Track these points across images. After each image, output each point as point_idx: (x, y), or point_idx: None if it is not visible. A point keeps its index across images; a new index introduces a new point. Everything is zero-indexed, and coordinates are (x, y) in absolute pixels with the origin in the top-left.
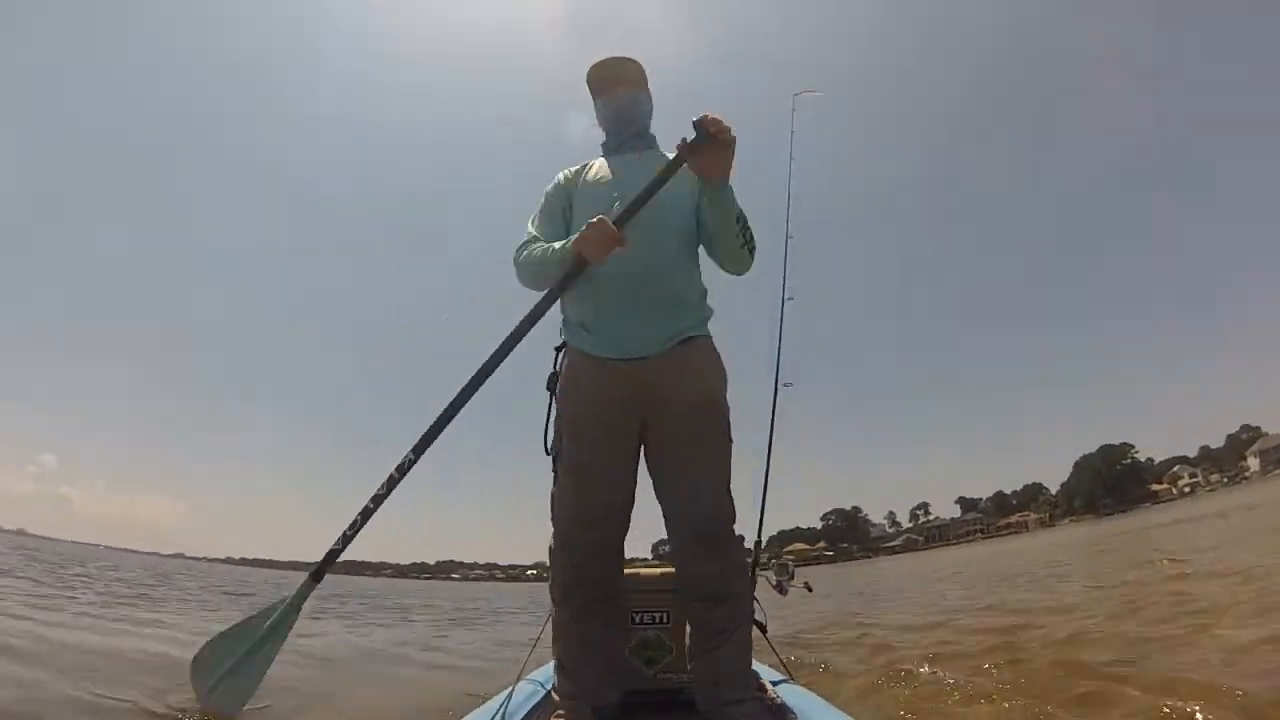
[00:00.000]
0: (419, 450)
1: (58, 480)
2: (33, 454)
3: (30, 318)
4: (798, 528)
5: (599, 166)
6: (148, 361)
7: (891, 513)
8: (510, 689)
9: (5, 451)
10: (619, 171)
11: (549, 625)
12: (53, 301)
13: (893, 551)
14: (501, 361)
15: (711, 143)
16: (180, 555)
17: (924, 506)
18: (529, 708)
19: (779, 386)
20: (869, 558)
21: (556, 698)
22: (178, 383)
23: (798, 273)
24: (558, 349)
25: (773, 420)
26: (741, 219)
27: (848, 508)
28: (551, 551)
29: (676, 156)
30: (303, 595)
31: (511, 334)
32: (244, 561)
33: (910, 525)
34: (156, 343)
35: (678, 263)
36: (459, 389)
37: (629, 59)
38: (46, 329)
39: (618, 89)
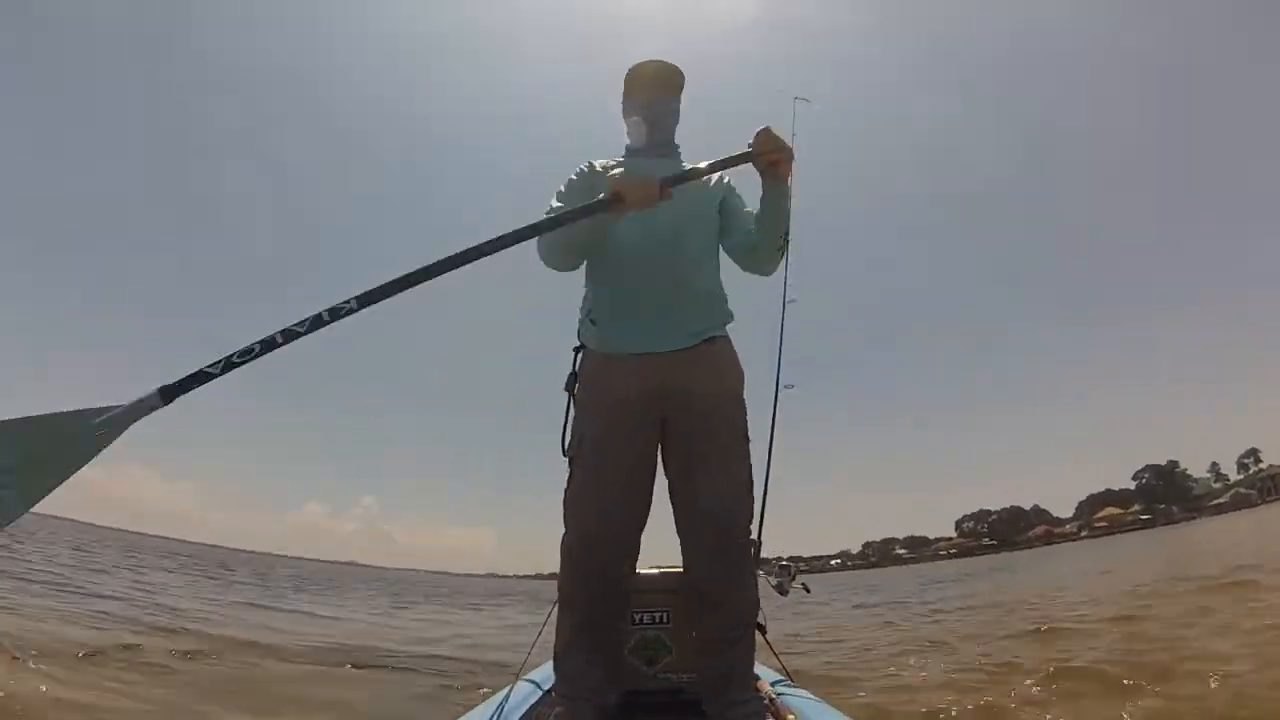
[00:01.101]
0: (364, 301)
1: (378, 519)
2: (356, 497)
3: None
4: (1108, 489)
5: (630, 170)
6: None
7: (1215, 464)
8: (509, 688)
9: (334, 497)
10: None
11: (547, 624)
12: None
13: (1219, 510)
14: (492, 251)
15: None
16: (492, 574)
17: (1253, 454)
18: (527, 707)
19: (780, 388)
20: (1191, 519)
21: (558, 696)
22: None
23: (799, 275)
24: (576, 350)
25: (773, 421)
26: (787, 220)
27: (1163, 463)
28: (564, 550)
29: (743, 153)
30: (139, 411)
31: (523, 230)
32: (551, 576)
33: (1239, 478)
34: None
35: (700, 259)
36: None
37: (674, 65)
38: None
39: (660, 94)
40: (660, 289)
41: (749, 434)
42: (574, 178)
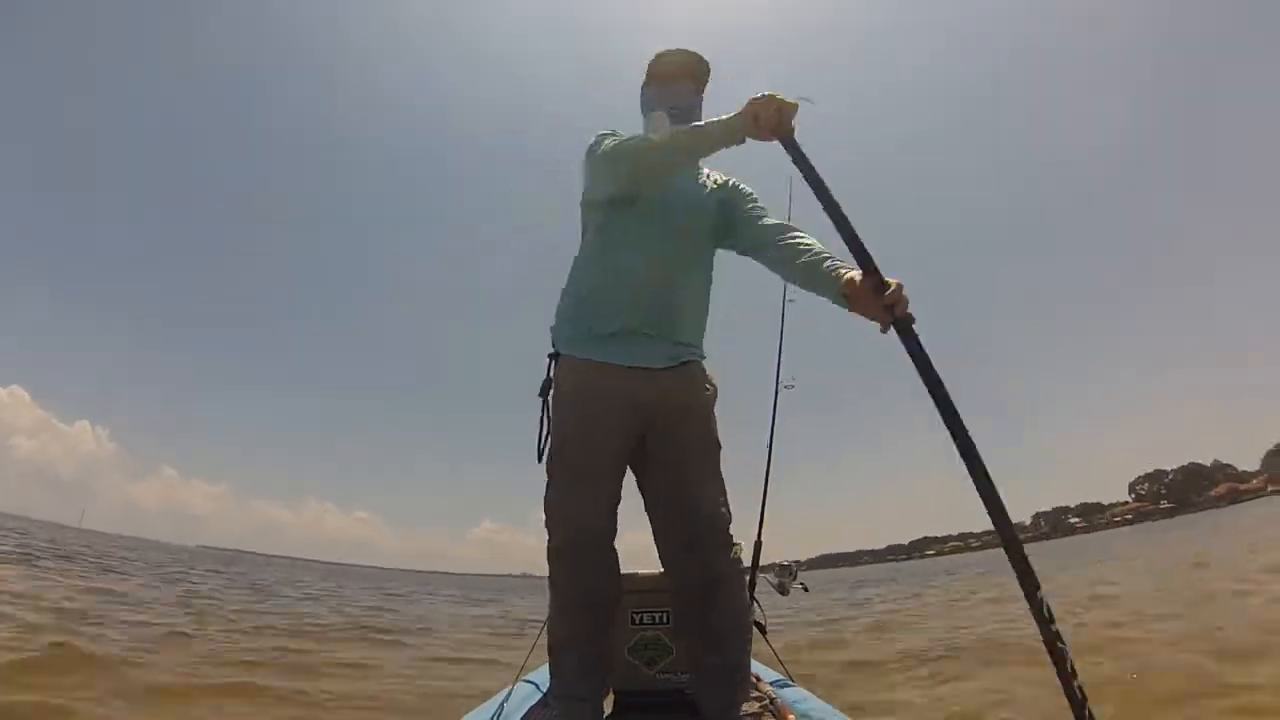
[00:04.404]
0: None
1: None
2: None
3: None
4: None
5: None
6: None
7: None
8: (508, 689)
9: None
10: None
11: (547, 625)
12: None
13: None
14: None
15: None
16: None
17: None
18: (527, 708)
19: (780, 388)
20: None
21: (554, 698)
22: None
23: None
24: (551, 356)
25: (773, 421)
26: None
27: None
28: (549, 554)
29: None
30: None
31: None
32: None
33: None
34: None
35: (695, 276)
36: None
37: (701, 55)
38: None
39: (684, 83)
40: (645, 302)
41: (719, 440)
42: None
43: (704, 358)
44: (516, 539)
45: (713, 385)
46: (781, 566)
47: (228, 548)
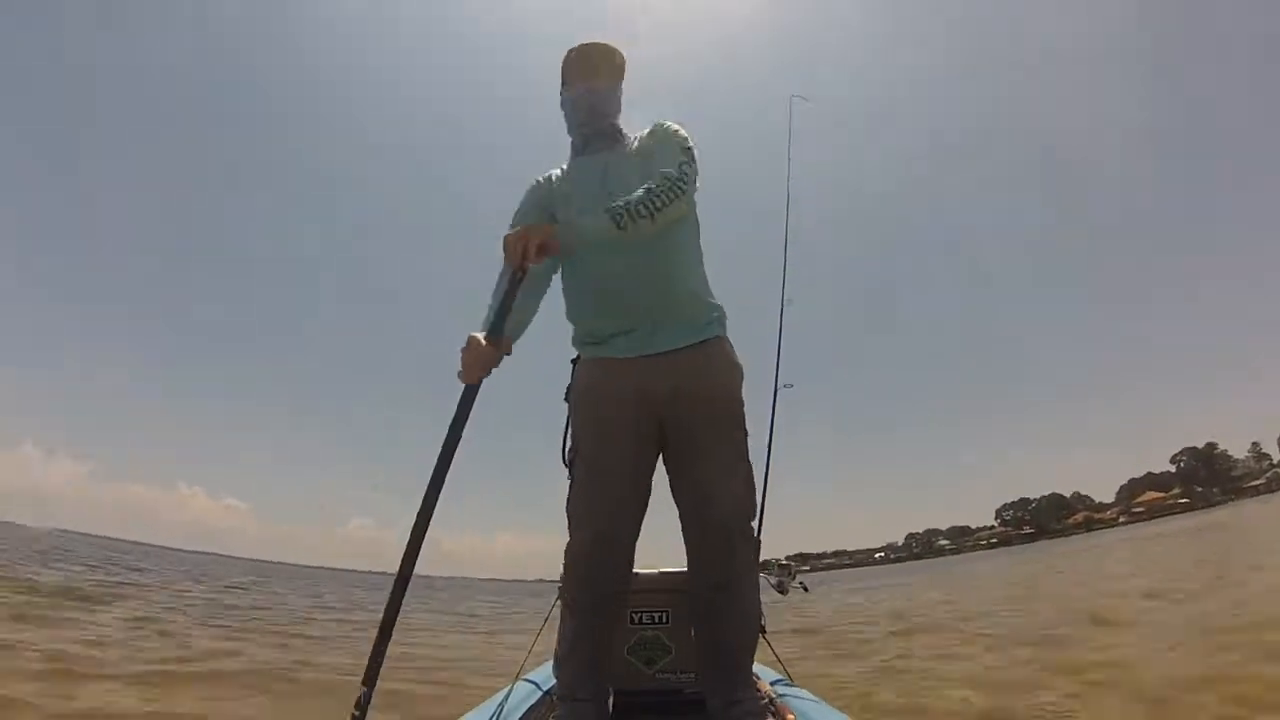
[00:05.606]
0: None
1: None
2: (401, 513)
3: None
4: (1149, 473)
5: (572, 169)
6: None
7: (1256, 444)
8: (509, 688)
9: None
10: (591, 171)
11: (547, 624)
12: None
13: (1257, 492)
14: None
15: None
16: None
17: None
18: (527, 707)
19: (779, 388)
20: (1230, 500)
21: (555, 697)
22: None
23: (797, 276)
24: (574, 361)
25: (772, 421)
26: (620, 216)
27: (1200, 445)
28: (565, 555)
29: (513, 274)
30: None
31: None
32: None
33: None
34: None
35: (675, 253)
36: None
37: (614, 48)
38: None
39: (597, 80)
40: (641, 290)
41: (746, 428)
42: (523, 197)
43: (723, 333)
44: (385, 537)
45: (738, 366)
46: (781, 565)
47: (89, 532)
